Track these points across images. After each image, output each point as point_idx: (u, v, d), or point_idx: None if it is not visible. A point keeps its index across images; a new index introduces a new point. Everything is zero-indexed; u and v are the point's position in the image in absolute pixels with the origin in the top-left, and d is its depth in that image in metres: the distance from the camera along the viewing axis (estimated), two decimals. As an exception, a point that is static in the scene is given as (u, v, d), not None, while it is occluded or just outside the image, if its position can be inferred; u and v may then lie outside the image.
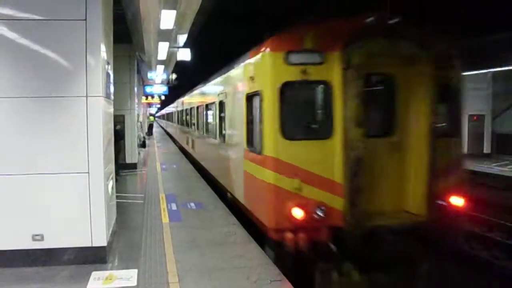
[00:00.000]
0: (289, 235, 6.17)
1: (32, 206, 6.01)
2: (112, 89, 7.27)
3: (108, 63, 6.74)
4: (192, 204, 10.15)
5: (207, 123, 13.17)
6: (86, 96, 6.00)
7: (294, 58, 6.30)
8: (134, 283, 5.51)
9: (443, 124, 6.74)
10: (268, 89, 6.52)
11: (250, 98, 7.57)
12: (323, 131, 6.36)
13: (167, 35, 11.42)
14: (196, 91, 16.04)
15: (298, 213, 6.14)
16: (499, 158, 19.01)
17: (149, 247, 6.99)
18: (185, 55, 14.63)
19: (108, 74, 6.73)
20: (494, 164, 17.29)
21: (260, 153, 6.84)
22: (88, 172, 6.06)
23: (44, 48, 5.92)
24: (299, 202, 6.16)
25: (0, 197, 5.98)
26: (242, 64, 8.12)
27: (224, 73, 10.00)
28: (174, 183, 13.56)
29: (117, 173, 13.35)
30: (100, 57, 6.10)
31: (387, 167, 6.69)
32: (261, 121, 6.74)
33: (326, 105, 6.37)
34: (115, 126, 11.71)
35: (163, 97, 32.34)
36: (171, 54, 15.56)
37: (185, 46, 14.41)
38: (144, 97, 28.10)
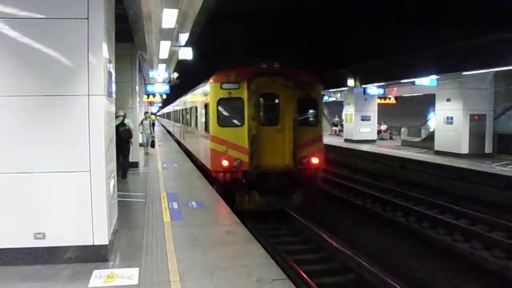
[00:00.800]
0: (221, 174, 11.89)
1: (34, 204, 6.03)
2: (113, 88, 7.28)
3: (110, 62, 6.74)
4: (194, 203, 10.17)
5: (189, 119, 19.17)
6: (88, 95, 6.00)
7: (225, 86, 12.00)
8: (136, 282, 5.52)
9: (304, 119, 12.62)
10: (211, 101, 12.24)
11: (205, 105, 13.11)
12: (238, 122, 12.05)
13: (169, 34, 11.40)
14: (183, 99, 23.07)
15: (225, 163, 11.78)
16: (501, 158, 18.99)
17: (151, 246, 7.00)
18: (186, 54, 14.62)
19: (110, 73, 6.74)
20: (495, 164, 17.26)
21: (208, 134, 12.51)
22: (90, 171, 6.07)
23: (46, 47, 5.93)
24: (226, 157, 11.79)
25: (1, 195, 5.97)
26: (203, 86, 14.17)
27: (197, 89, 16.06)
28: (175, 182, 13.57)
29: (123, 173, 13.51)
30: (102, 55, 6.10)
31: (276, 142, 12.12)
32: (208, 117, 12.49)
33: (240, 109, 11.88)
34: (124, 126, 13.17)
35: (164, 96, 32.38)
36: (172, 53, 15.55)
37: (186, 45, 14.39)
38: (145, 96, 28.09)
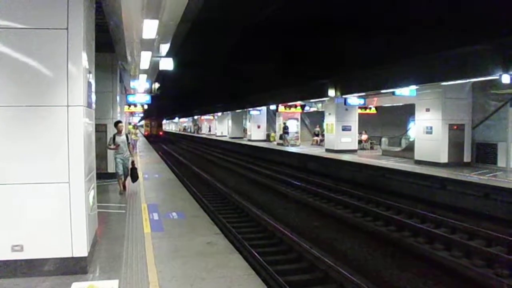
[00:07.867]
0: (145, 135, 70.44)
1: (12, 216, 5.94)
2: (93, 98, 7.25)
3: (89, 72, 6.72)
4: (174, 214, 10.13)
5: (144, 126, 76.96)
6: (67, 106, 5.98)
7: (146, 121, 74.48)
8: (115, 294, 5.46)
9: (158, 126, 73.31)
10: (145, 123, 77.24)
11: (145, 123, 77.45)
12: (148, 127, 72.77)
13: (150, 45, 11.41)
14: (143, 122, 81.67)
15: (146, 132, 71.50)
16: (479, 167, 19.28)
17: (131, 258, 6.95)
18: (167, 64, 14.62)
19: (89, 83, 6.71)
20: (473, 173, 17.52)
21: (143, 128, 79.21)
22: (69, 182, 6.02)
23: (25, 57, 5.89)
24: (146, 131, 71.75)
25: (-22, 207, 5.90)
26: (144, 120, 78.05)
27: (145, 120, 75.49)
28: (156, 192, 13.50)
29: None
30: (82, 66, 6.09)
31: (154, 130, 72.23)
32: (144, 125, 79.21)
33: (150, 124, 73.66)
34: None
35: (145, 106, 32.32)
36: (153, 64, 15.54)
37: (167, 55, 14.40)
38: (127, 106, 27.98)
